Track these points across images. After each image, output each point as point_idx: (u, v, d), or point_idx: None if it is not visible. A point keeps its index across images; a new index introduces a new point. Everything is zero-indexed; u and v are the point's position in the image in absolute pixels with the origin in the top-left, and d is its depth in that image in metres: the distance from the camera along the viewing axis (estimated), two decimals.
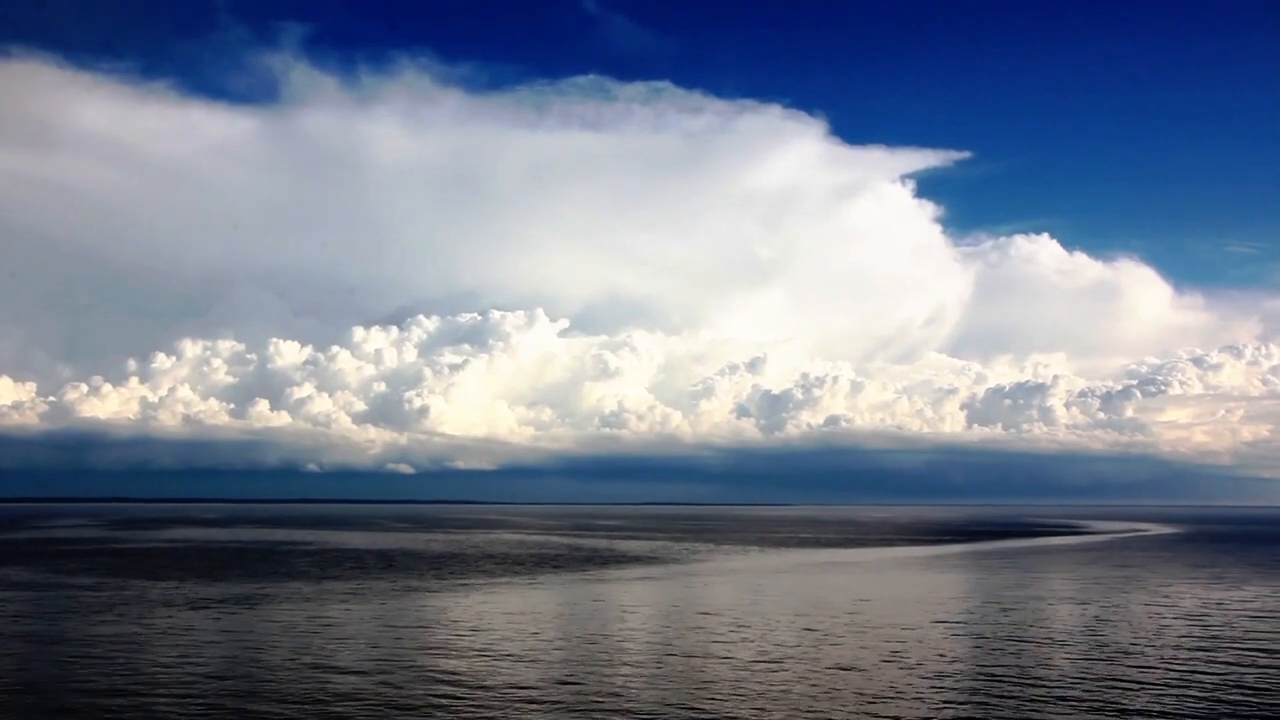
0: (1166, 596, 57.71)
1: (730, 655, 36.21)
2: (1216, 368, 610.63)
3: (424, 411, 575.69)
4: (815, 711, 27.59)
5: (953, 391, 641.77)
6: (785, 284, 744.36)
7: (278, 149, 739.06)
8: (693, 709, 27.86)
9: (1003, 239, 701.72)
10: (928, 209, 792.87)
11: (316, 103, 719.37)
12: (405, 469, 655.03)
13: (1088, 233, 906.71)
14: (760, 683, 31.25)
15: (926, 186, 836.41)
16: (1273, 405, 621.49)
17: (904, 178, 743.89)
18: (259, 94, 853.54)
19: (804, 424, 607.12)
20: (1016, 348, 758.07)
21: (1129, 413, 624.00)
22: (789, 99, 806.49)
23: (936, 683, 31.25)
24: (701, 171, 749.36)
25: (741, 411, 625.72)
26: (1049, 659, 35.64)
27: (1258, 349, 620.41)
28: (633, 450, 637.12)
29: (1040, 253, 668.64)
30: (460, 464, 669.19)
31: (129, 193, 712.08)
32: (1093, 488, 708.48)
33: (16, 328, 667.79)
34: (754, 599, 56.62)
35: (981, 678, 32.10)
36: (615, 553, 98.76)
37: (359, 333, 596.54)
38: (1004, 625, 44.30)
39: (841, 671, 33.13)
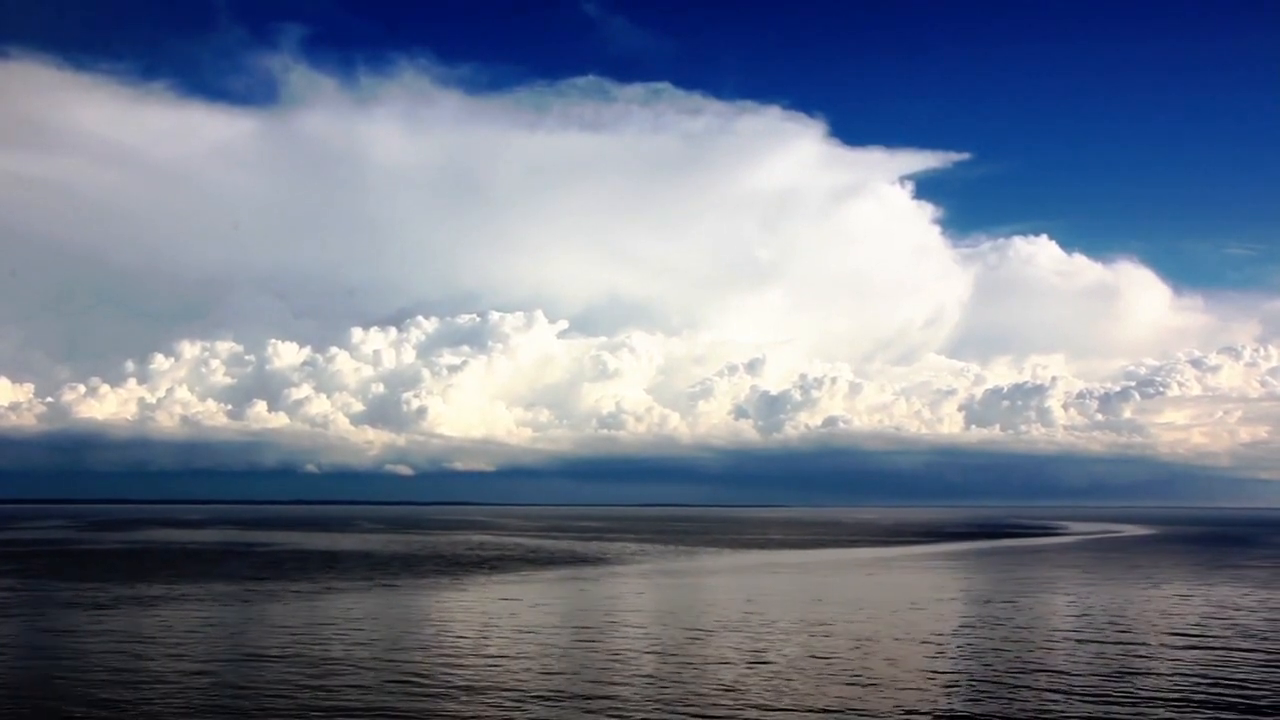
0: (1074, 595, 58.11)
1: (594, 651, 36.77)
2: (1215, 369, 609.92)
3: (422, 413, 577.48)
4: (625, 705, 28.18)
5: (951, 393, 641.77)
6: (784, 285, 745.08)
7: (277, 150, 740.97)
8: (520, 700, 28.46)
9: (1001, 240, 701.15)
10: (927, 210, 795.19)
11: (315, 104, 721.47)
12: (404, 470, 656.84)
13: (1087, 234, 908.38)
14: (603, 678, 31.81)
15: (925, 188, 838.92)
16: (1271, 407, 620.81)
17: (903, 179, 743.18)
18: (258, 95, 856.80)
19: (802, 425, 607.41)
20: (1015, 349, 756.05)
21: (1127, 414, 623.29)
22: (788, 100, 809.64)
23: (775, 679, 31.80)
24: (701, 173, 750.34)
25: (740, 413, 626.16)
26: (903, 658, 36.14)
27: (1256, 351, 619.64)
28: (631, 451, 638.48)
29: (1039, 254, 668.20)
30: (459, 465, 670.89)
31: (127, 193, 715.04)
32: (1091, 489, 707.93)
33: (14, 328, 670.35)
34: (655, 599, 57.19)
35: (817, 675, 32.62)
36: (567, 554, 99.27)
37: (358, 334, 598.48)
38: (883, 626, 44.80)
39: (694, 667, 33.67)
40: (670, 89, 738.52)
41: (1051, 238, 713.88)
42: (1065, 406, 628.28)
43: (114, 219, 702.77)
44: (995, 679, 32.25)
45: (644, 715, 27.50)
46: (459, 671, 33.36)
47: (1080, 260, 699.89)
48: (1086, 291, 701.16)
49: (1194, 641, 40.59)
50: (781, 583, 70.12)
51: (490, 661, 35.28)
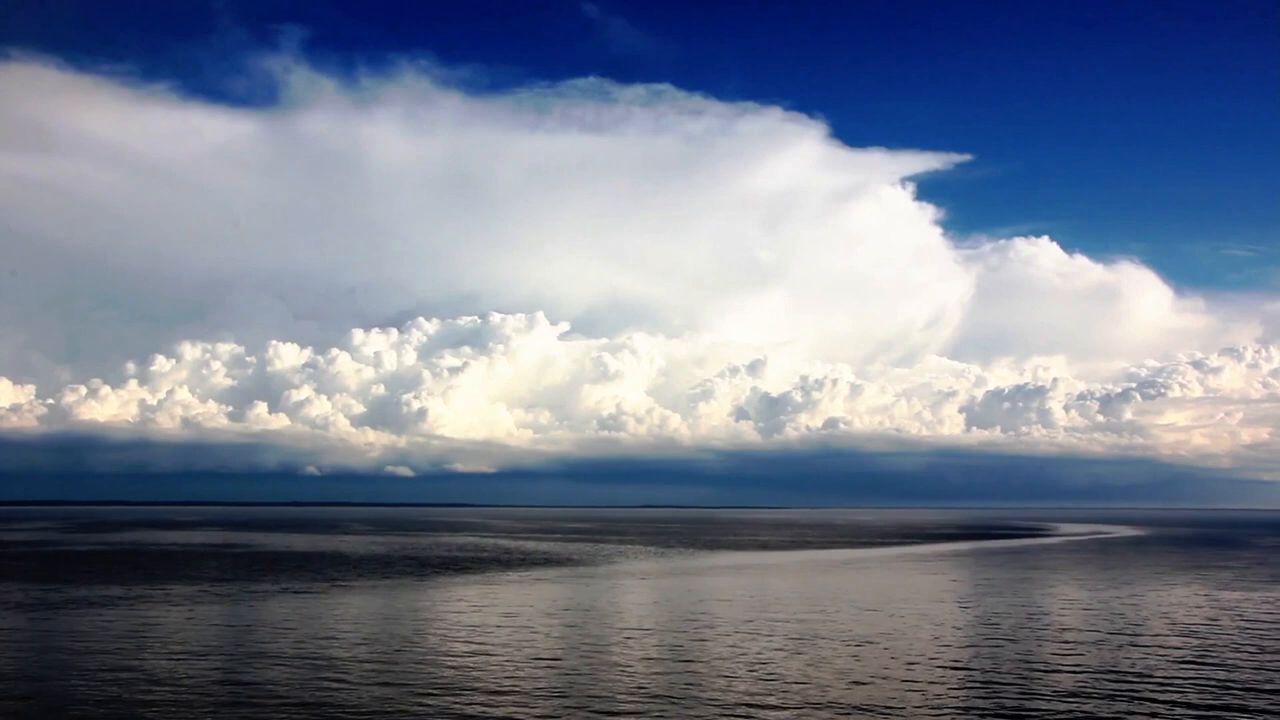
0: (1030, 596, 58.19)
1: (522, 649, 36.93)
2: (1216, 370, 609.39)
3: (423, 414, 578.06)
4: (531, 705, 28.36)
5: (952, 394, 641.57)
6: (785, 287, 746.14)
7: (278, 151, 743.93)
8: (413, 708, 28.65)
9: (1003, 241, 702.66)
10: (928, 211, 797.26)
11: (316, 105, 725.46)
12: (404, 471, 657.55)
13: (1088, 235, 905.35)
14: (518, 674, 31.99)
15: (927, 189, 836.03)
16: (1272, 408, 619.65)
17: (904, 180, 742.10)
18: (259, 96, 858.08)
19: (803, 427, 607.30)
20: (1016, 350, 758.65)
21: (1128, 415, 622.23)
22: (789, 101, 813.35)
23: (688, 676, 31.97)
24: (702, 174, 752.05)
25: (740, 414, 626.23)
26: (826, 658, 36.27)
27: (1258, 352, 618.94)
28: (632, 453, 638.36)
29: (1040, 255, 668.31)
30: (459, 467, 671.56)
31: (129, 195, 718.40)
32: (1092, 490, 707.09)
33: (16, 330, 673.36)
34: (607, 599, 57.35)
35: (732, 674, 32.79)
36: (543, 555, 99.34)
37: (358, 335, 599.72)
38: (822, 626, 44.94)
39: (617, 666, 33.83)
40: (671, 90, 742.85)
41: (1053, 239, 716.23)
42: (1066, 408, 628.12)
43: (115, 220, 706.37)
44: (904, 676, 32.41)
45: (539, 711, 27.66)
46: (374, 667, 33.52)
47: (1081, 261, 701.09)
48: (1088, 293, 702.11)
49: (1127, 639, 40.79)
50: (744, 584, 70.22)
51: (413, 659, 35.44)
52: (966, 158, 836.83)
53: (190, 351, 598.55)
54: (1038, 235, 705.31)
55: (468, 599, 56.68)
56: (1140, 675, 32.82)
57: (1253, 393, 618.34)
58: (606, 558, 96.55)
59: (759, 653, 37.18)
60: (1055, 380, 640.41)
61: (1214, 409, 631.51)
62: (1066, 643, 39.90)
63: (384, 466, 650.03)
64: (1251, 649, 38.70)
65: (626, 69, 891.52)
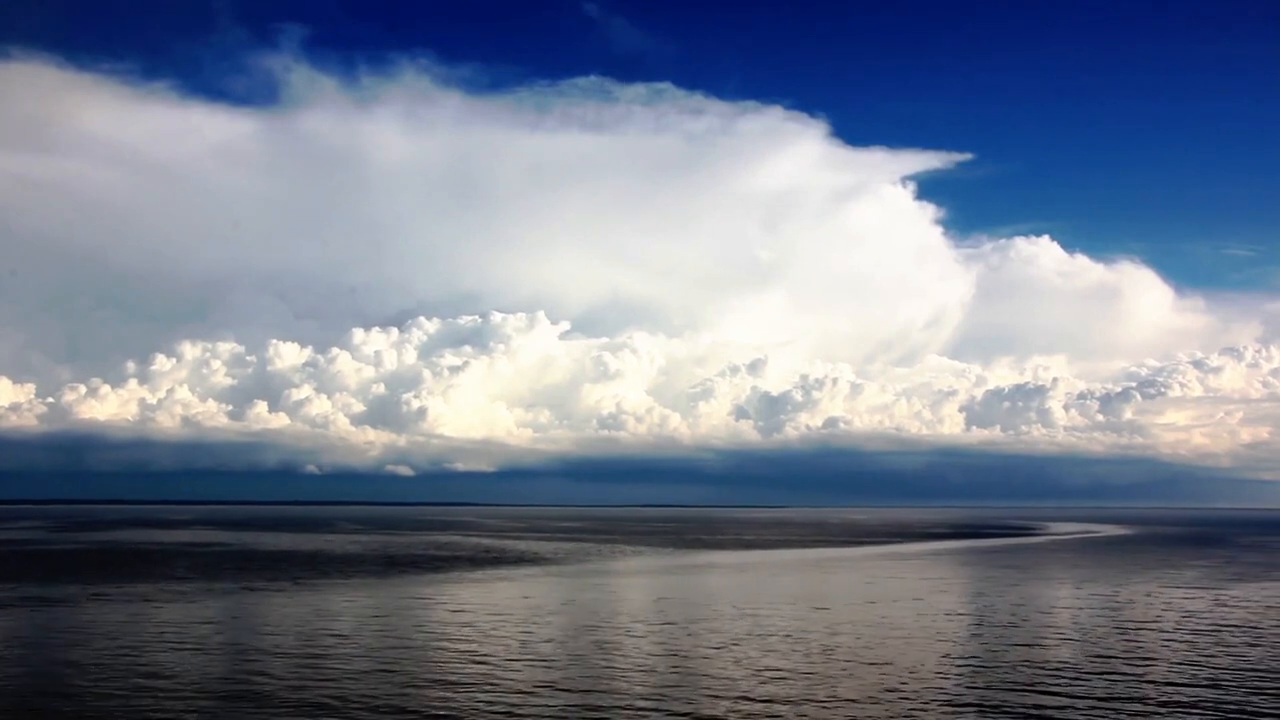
0: (986, 595, 58.40)
1: (458, 646, 37.19)
2: (1217, 370, 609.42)
3: (423, 413, 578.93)
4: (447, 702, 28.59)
5: (952, 394, 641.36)
6: (786, 286, 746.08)
7: (278, 150, 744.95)
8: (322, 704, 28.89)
9: (1003, 241, 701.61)
10: (929, 211, 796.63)
11: (317, 104, 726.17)
12: (404, 471, 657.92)
13: (1089, 235, 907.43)
14: (433, 674, 32.23)
15: (928, 188, 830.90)
16: (1272, 408, 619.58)
17: (905, 179, 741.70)
18: (259, 95, 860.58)
19: (803, 426, 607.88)
20: (1017, 350, 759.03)
21: (1128, 415, 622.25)
22: (790, 100, 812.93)
23: (608, 672, 32.19)
24: (702, 173, 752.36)
25: (740, 413, 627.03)
26: (753, 657, 36.48)
27: (1258, 352, 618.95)
28: (632, 452, 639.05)
29: (1041, 255, 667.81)
30: (459, 466, 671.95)
31: (129, 194, 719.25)
32: (1092, 490, 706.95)
33: (15, 329, 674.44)
34: (563, 598, 57.65)
35: (649, 669, 33.01)
36: (519, 554, 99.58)
37: (359, 334, 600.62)
38: (769, 624, 45.14)
39: (543, 663, 34.07)
40: (672, 89, 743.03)
41: (1053, 238, 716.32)
42: (1066, 407, 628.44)
43: (115, 219, 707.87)
44: (823, 671, 32.60)
45: (446, 703, 27.86)
46: (299, 660, 33.74)
47: (1082, 261, 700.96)
48: (1088, 292, 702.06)
49: (1063, 637, 40.89)
50: (709, 583, 70.56)
51: (341, 652, 35.66)
52: (967, 157, 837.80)
53: (190, 350, 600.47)
54: (1038, 235, 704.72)
55: (422, 597, 56.94)
56: (1057, 670, 32.93)
57: (1253, 392, 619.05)
58: (583, 557, 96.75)
59: (688, 650, 37.36)
60: (1055, 380, 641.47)
61: (1214, 408, 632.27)
62: (998, 639, 40.09)
63: (384, 465, 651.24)
64: (1180, 644, 38.83)
65: (627, 68, 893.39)
